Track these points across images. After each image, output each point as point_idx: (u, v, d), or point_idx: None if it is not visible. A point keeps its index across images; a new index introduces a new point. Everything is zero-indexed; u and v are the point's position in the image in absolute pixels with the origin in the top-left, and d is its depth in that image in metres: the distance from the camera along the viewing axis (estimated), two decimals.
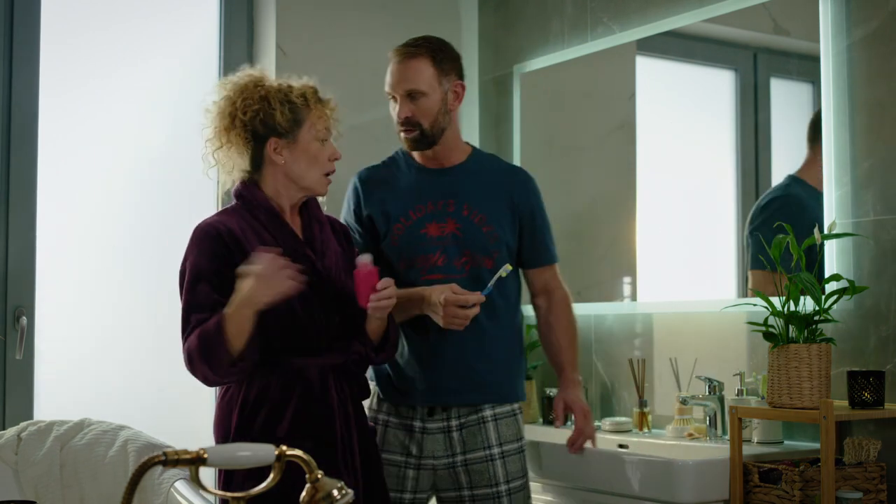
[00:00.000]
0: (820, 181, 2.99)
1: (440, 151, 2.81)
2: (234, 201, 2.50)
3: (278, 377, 2.40)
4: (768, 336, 2.74)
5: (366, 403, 2.68)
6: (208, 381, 2.39)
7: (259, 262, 2.26)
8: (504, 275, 2.68)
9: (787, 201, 3.17)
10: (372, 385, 2.77)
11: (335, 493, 1.52)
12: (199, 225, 2.44)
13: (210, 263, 2.36)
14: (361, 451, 2.46)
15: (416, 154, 2.85)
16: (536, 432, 3.47)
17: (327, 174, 2.50)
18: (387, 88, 2.80)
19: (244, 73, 2.49)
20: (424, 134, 2.76)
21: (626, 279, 3.58)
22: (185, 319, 2.36)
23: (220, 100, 2.45)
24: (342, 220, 2.78)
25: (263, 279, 2.24)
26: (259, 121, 2.41)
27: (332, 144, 2.50)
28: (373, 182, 2.84)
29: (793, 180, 3.12)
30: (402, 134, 2.78)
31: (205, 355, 2.29)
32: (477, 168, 2.85)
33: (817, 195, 2.97)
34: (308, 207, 2.54)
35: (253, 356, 2.33)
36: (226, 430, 2.42)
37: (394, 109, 2.79)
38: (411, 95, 2.75)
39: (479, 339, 2.74)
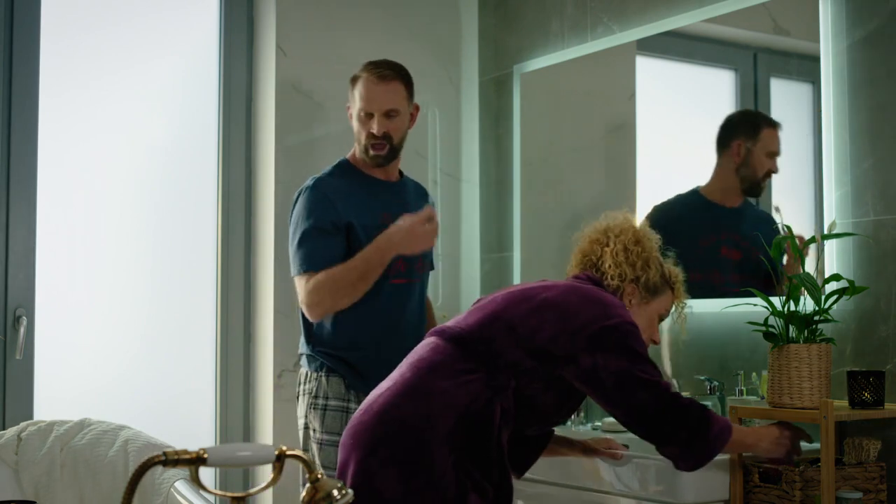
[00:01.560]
0: (723, 193, 3.16)
1: (391, 167, 3.05)
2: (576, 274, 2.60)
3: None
4: (768, 336, 2.74)
5: (337, 391, 2.90)
6: None
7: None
8: None
9: (662, 210, 3.36)
10: (337, 379, 2.93)
11: (335, 492, 1.52)
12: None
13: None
14: None
15: (363, 168, 3.02)
16: None
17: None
18: (362, 105, 2.96)
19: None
20: (393, 149, 2.99)
21: None
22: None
23: (636, 227, 2.65)
24: (311, 227, 2.89)
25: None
26: (640, 265, 2.57)
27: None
28: (341, 191, 2.97)
29: (692, 192, 3.29)
30: (372, 150, 2.97)
31: None
32: (409, 183, 3.16)
33: (712, 208, 3.09)
34: None
35: None
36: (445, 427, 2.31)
37: (363, 125, 2.96)
38: (389, 114, 2.96)
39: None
